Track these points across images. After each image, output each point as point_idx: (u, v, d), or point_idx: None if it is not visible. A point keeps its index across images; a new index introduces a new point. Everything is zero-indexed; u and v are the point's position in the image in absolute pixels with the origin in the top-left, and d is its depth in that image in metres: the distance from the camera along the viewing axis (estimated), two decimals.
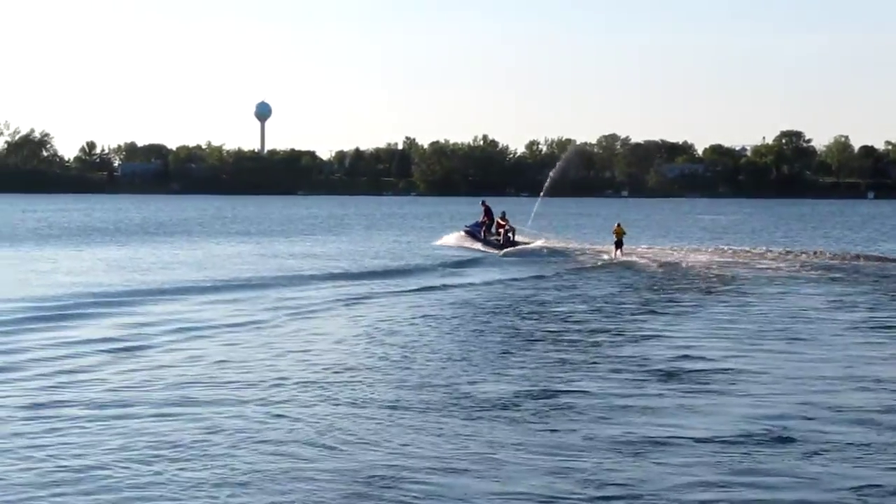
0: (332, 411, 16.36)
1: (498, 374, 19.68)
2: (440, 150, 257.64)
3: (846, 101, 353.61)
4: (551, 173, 75.76)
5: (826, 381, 19.17)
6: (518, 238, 56.64)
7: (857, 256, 52.09)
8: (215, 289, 35.28)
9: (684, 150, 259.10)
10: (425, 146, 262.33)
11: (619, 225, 52.78)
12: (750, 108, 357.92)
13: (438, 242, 61.04)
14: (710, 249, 57.39)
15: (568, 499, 12.23)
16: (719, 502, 12.19)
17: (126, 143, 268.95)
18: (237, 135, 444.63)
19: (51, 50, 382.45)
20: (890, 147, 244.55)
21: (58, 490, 12.33)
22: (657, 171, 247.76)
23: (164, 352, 22.23)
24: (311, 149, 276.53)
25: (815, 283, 38.79)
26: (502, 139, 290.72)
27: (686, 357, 21.66)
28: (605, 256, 51.43)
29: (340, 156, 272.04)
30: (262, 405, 16.78)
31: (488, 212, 58.87)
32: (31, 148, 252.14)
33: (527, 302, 32.02)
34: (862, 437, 14.99)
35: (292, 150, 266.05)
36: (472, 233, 58.83)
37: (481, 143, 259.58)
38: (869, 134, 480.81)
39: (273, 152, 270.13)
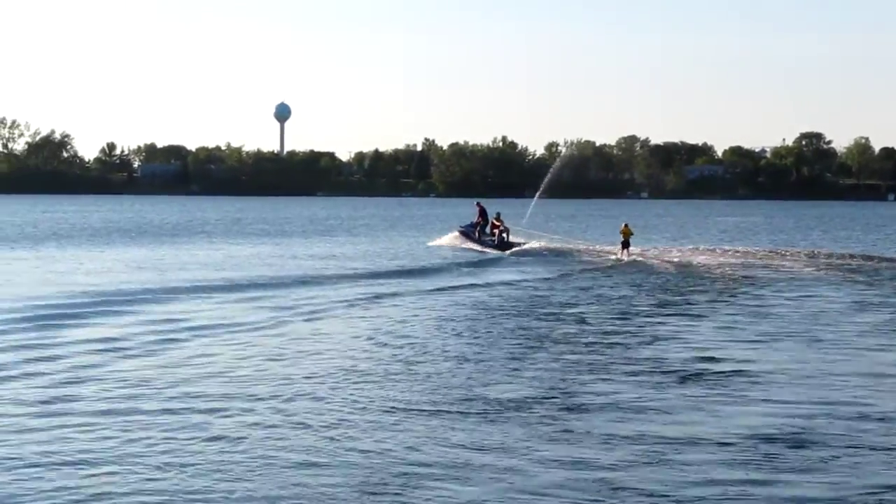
0: (344, 412, 16.29)
1: (512, 375, 19.57)
2: (459, 152, 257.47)
3: (866, 103, 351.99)
4: (547, 175, 76.95)
5: (847, 384, 18.99)
6: (512, 238, 57.38)
7: (878, 258, 51.82)
8: (233, 288, 35.38)
9: (704, 151, 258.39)
10: (444, 147, 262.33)
11: (626, 225, 52.82)
12: (770, 110, 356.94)
13: (433, 243, 61.68)
14: (727, 251, 57.20)
15: (583, 502, 12.14)
16: None
17: (146, 145, 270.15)
18: (257, 136, 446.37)
19: (71, 51, 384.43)
20: None
21: (58, 483, 12.35)
22: (677, 172, 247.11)
23: (176, 350, 22.28)
24: (331, 150, 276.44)
25: (836, 284, 38.51)
26: (521, 141, 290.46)
27: (704, 359, 21.50)
28: (613, 256, 51.50)
29: (360, 157, 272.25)
30: (272, 405, 16.75)
31: (483, 212, 60.04)
32: (51, 149, 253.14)
33: (540, 303, 31.90)
34: (884, 439, 14.83)
35: (311, 152, 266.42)
36: (467, 233, 59.84)
37: (500, 144, 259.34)
38: (890, 135, 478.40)
39: (292, 153, 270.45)
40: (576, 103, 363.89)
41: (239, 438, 14.61)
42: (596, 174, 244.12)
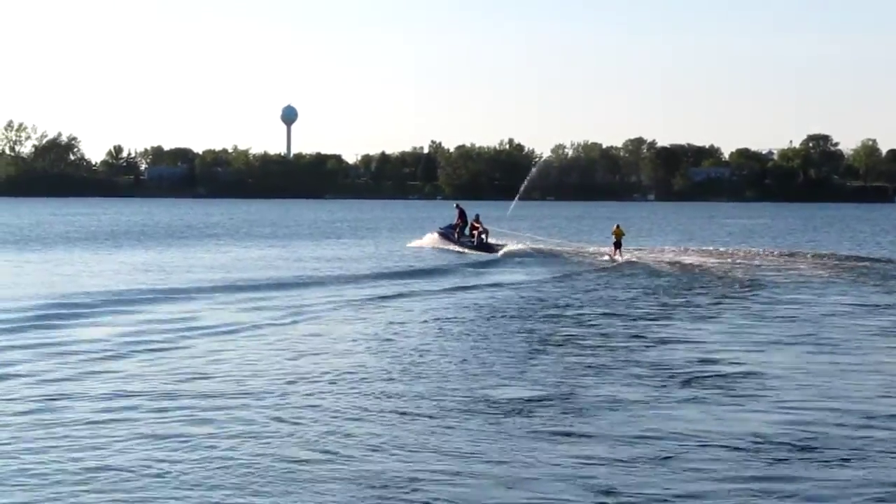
0: (346, 414, 16.17)
1: (514, 377, 19.42)
2: (466, 154, 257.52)
3: (874, 105, 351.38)
4: (525, 180, 78.35)
5: (854, 387, 18.79)
6: (492, 240, 58.20)
7: (887, 261, 51.67)
8: (239, 289, 35.38)
9: (711, 153, 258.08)
10: (451, 150, 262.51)
11: (618, 226, 53.46)
12: (777, 112, 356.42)
13: (412, 244, 62.23)
14: (731, 252, 57.12)
15: None
16: None
17: (152, 147, 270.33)
18: (263, 138, 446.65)
19: (78, 54, 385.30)
20: None
21: (58, 489, 12.28)
22: (683, 175, 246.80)
23: (181, 351, 22.23)
24: (337, 153, 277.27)
25: (842, 287, 38.30)
26: (528, 143, 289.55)
27: (709, 361, 21.30)
28: (606, 258, 51.83)
29: (366, 160, 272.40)
30: (274, 407, 16.65)
31: (462, 214, 61.32)
32: (58, 151, 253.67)
33: (541, 304, 31.73)
34: (892, 444, 14.68)
35: (318, 154, 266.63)
36: (446, 234, 60.98)
37: (507, 146, 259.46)
38: None
39: (299, 156, 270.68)
40: (582, 105, 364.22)
41: (238, 439, 14.51)
42: (602, 177, 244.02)
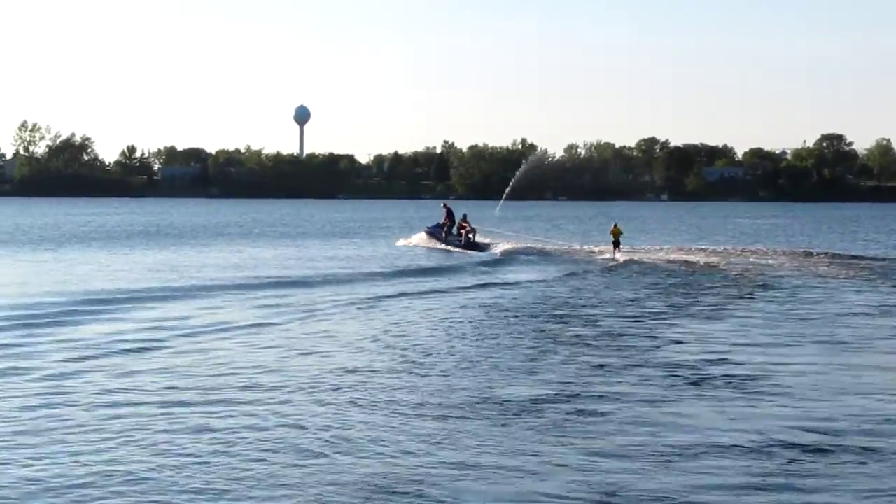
0: (351, 412, 16.15)
1: (522, 376, 19.35)
2: (478, 154, 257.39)
3: (888, 104, 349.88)
4: (513, 179, 78.89)
5: (868, 388, 18.65)
6: (479, 239, 59.60)
7: None
8: (249, 288, 35.61)
9: (724, 153, 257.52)
10: (464, 150, 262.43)
11: (615, 225, 54.08)
12: (790, 111, 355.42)
13: (401, 243, 63.14)
14: (742, 251, 56.96)
15: None
16: None
17: (166, 147, 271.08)
18: (276, 139, 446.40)
19: (91, 55, 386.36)
20: None
21: (69, 483, 12.30)
22: (697, 174, 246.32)
23: (187, 350, 22.28)
24: (350, 153, 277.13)
25: (857, 287, 38.09)
26: (541, 143, 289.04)
27: (721, 361, 21.17)
28: (607, 255, 52.29)
29: (379, 160, 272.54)
30: (280, 406, 16.62)
31: (450, 214, 62.57)
32: (72, 152, 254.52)
33: (549, 304, 31.63)
34: None
35: (331, 154, 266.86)
36: (434, 233, 62.20)
37: (520, 146, 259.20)
38: None
39: (312, 156, 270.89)
40: (595, 105, 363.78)
41: (240, 437, 14.51)
42: (615, 176, 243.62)
